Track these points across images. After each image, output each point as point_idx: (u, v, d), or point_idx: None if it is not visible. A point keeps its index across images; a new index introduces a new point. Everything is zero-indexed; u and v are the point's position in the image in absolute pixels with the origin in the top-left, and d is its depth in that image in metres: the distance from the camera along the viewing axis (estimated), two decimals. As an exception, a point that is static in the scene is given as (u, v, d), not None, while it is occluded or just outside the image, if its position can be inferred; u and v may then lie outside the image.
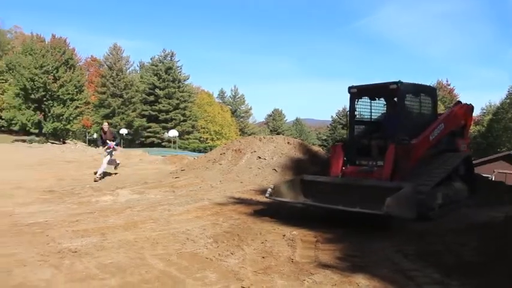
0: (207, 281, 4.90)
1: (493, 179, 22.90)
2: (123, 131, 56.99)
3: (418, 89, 9.07)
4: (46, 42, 52.70)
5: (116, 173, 15.55)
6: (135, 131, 62.39)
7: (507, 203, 9.63)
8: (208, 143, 67.50)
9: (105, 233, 6.93)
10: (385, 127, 9.00)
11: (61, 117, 49.43)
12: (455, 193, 8.93)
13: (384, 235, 6.89)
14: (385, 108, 9.56)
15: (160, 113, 63.17)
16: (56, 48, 51.29)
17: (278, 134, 66.48)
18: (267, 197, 8.38)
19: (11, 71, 51.15)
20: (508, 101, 61.60)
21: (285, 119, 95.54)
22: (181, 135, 61.23)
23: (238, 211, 8.82)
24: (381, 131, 9.11)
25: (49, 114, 49.55)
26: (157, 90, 63.30)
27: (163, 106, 63.00)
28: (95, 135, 59.46)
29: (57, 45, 51.92)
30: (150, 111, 63.22)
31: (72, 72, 51.68)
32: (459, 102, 11.10)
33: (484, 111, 69.27)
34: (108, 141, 14.21)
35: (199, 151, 52.91)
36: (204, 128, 70.43)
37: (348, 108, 9.51)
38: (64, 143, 48.36)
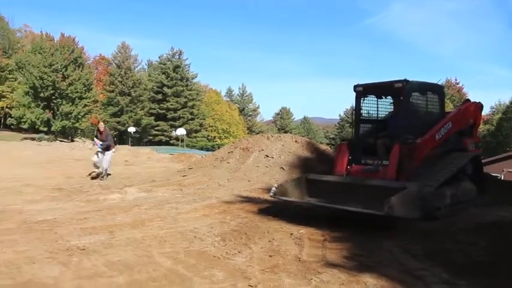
0: (215, 279, 4.90)
1: (502, 178, 22.69)
2: (131, 129, 57.25)
3: (425, 88, 8.96)
4: (55, 41, 53.08)
5: (92, 174, 14.26)
6: (143, 129, 62.54)
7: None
8: (216, 141, 67.53)
9: (113, 230, 6.95)
10: (392, 126, 8.93)
11: (70, 116, 49.76)
12: (463, 193, 8.80)
13: (391, 234, 6.86)
14: (392, 107, 9.47)
15: (168, 111, 63.23)
16: (65, 46, 51.59)
17: (286, 132, 66.31)
18: (271, 196, 8.37)
19: (20, 70, 51.54)
20: (517, 99, 61.13)
21: (292, 118, 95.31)
22: (189, 133, 61.28)
23: (245, 209, 8.82)
24: (387, 130, 9.04)
25: (58, 113, 49.89)
26: (165, 89, 63.37)
27: (171, 104, 63.06)
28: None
29: (66, 44, 52.23)
30: (158, 110, 63.31)
31: (81, 71, 51.99)
32: (468, 100, 10.98)
33: (494, 109, 68.77)
34: (98, 140, 13.73)
35: (207, 149, 53.00)
36: (211, 126, 70.43)
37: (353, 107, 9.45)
38: (73, 141, 48.63)
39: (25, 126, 50.65)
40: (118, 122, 60.10)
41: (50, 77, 48.12)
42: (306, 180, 8.84)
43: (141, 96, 62.82)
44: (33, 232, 6.83)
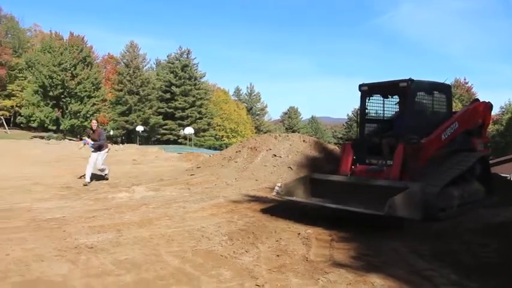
0: (222, 278, 4.90)
1: (512, 179, 22.50)
2: (139, 128, 57.49)
3: (431, 87, 8.85)
4: (64, 40, 53.48)
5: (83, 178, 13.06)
6: (151, 128, 62.81)
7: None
8: (224, 140, 67.65)
9: (120, 229, 6.98)
10: (397, 125, 8.85)
11: (78, 114, 50.10)
12: (470, 194, 8.67)
13: (399, 235, 6.82)
14: (398, 106, 9.40)
15: (176, 110, 63.44)
16: (74, 46, 51.98)
17: (293, 132, 66.27)
18: (274, 195, 8.34)
19: (30, 69, 51.99)
20: (528, 99, 60.61)
21: (300, 117, 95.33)
22: (197, 132, 61.46)
23: (253, 209, 8.82)
24: (393, 130, 8.98)
25: (67, 111, 50.26)
26: (173, 88, 63.60)
27: (180, 103, 63.27)
28: (112, 132, 60.12)
29: (75, 43, 52.62)
30: (167, 109, 63.54)
31: (90, 70, 52.37)
32: (477, 100, 10.87)
33: (503, 109, 68.27)
34: (89, 139, 13.00)
35: (215, 148, 53.09)
36: (219, 125, 70.57)
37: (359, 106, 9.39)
38: (81, 139, 48.83)
39: (34, 124, 51.10)
40: (126, 121, 60.41)
41: (59, 76, 48.49)
42: (310, 180, 8.81)
43: (150, 95, 63.10)
44: (42, 230, 6.88)
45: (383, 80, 8.97)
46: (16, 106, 56.28)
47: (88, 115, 50.90)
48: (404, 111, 8.72)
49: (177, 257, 5.63)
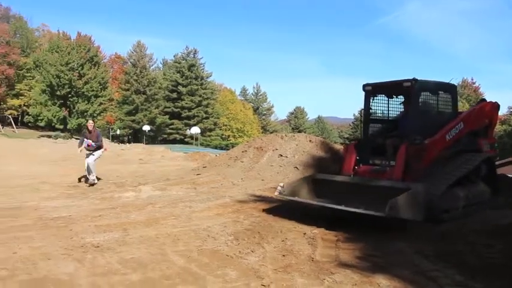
0: (228, 278, 4.90)
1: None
2: (146, 128, 57.66)
3: (436, 87, 8.76)
4: (72, 40, 53.67)
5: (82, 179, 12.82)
6: (157, 127, 62.96)
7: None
8: (230, 140, 67.68)
9: (127, 228, 7.01)
10: (402, 126, 8.78)
11: (85, 114, 50.23)
12: (475, 195, 8.54)
13: (404, 235, 6.79)
14: (403, 107, 9.32)
15: (182, 110, 63.54)
16: (81, 45, 52.16)
17: (300, 132, 66.18)
18: (276, 195, 8.31)
19: (38, 68, 52.25)
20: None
21: (307, 117, 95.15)
22: (203, 132, 61.54)
23: (259, 209, 8.82)
24: (397, 130, 8.92)
25: (74, 111, 50.46)
26: (180, 87, 63.71)
27: (186, 103, 63.37)
28: (118, 132, 60.34)
29: (83, 43, 52.80)
30: (173, 108, 63.65)
31: (97, 69, 52.52)
32: (483, 100, 10.77)
33: (511, 110, 67.74)
34: (89, 140, 12.17)
35: (221, 148, 53.16)
36: (226, 125, 70.62)
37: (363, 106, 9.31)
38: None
39: (42, 124, 51.33)
40: (133, 121, 60.61)
41: (67, 75, 48.70)
42: (313, 180, 8.78)
43: (156, 94, 63.27)
44: (48, 229, 6.92)
45: (387, 80, 8.93)
46: (24, 105, 56.58)
47: (95, 114, 51.03)
48: (408, 112, 8.68)
49: (183, 256, 5.64)
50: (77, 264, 5.22)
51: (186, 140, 61.59)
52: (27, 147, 26.67)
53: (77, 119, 50.18)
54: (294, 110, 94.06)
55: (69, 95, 50.20)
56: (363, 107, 9.24)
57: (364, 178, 8.30)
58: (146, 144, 47.26)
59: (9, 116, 54.93)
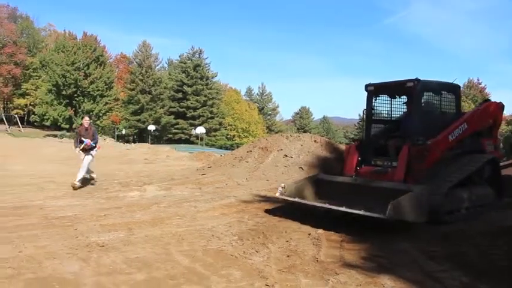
0: (232, 278, 4.91)
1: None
2: (151, 127, 57.77)
3: (439, 87, 8.70)
4: (78, 40, 53.83)
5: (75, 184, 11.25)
6: (162, 127, 63.05)
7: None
8: (235, 140, 67.68)
9: (132, 228, 7.03)
10: (404, 126, 8.73)
11: (91, 113, 50.36)
12: (478, 196, 8.45)
13: (410, 236, 6.77)
14: (406, 107, 9.22)
15: (188, 110, 63.58)
16: (87, 45, 52.31)
17: (305, 132, 66.09)
18: (277, 196, 8.29)
19: (44, 68, 52.47)
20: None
21: (312, 117, 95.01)
22: (208, 132, 61.58)
23: (263, 209, 8.82)
24: (400, 130, 8.86)
25: (79, 110, 50.60)
26: (185, 87, 63.76)
27: (191, 103, 63.41)
28: (124, 131, 60.46)
29: (88, 43, 52.94)
30: (178, 108, 63.71)
31: (102, 69, 52.67)
32: (487, 100, 10.69)
33: (517, 110, 67.34)
34: (84, 139, 11.33)
35: (226, 148, 53.21)
36: (231, 125, 70.61)
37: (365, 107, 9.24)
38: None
39: (48, 123, 51.53)
40: (138, 120, 60.74)
41: (72, 75, 48.88)
42: (314, 181, 8.75)
43: (162, 94, 63.38)
44: (54, 228, 6.95)
45: (390, 80, 8.88)
46: (30, 105, 56.91)
47: (100, 114, 51.29)
48: (411, 112, 8.63)
49: (187, 256, 5.66)
50: (82, 263, 5.25)
51: (191, 140, 61.65)
52: (33, 147, 26.75)
53: (82, 118, 50.36)
54: (299, 110, 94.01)
55: (75, 95, 50.37)
56: (365, 107, 9.19)
57: (365, 179, 8.26)
58: (151, 144, 47.33)
59: (16, 116, 55.25)
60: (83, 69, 50.75)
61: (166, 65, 75.96)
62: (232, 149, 34.37)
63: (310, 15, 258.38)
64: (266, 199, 9.86)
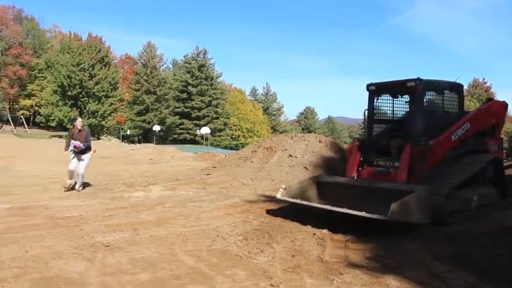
0: (237, 278, 4.91)
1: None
2: (156, 128, 57.88)
3: (441, 86, 8.64)
4: (83, 41, 54.02)
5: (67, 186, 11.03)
6: (167, 127, 63.16)
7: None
8: (240, 140, 67.69)
9: (137, 228, 7.04)
10: (407, 126, 8.64)
11: (96, 114, 50.58)
12: (481, 197, 8.36)
13: (414, 236, 6.75)
14: (408, 106, 9.13)
15: (192, 110, 63.66)
16: (92, 46, 52.47)
17: (310, 132, 66.11)
18: (278, 198, 8.25)
19: (49, 69, 52.70)
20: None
21: (316, 117, 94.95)
22: (213, 132, 61.63)
23: (268, 209, 8.81)
24: (402, 130, 8.80)
25: (85, 111, 50.77)
26: (190, 88, 63.83)
27: (196, 103, 63.48)
28: (129, 132, 60.61)
29: (93, 44, 53.12)
30: (183, 108, 63.79)
31: (107, 70, 52.81)
32: (490, 99, 10.60)
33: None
34: (73, 141, 10.95)
35: (231, 148, 53.20)
36: (236, 125, 70.63)
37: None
38: (99, 139, 49.44)
39: (53, 124, 51.70)
40: (143, 121, 60.88)
41: (78, 76, 49.05)
42: (315, 182, 8.72)
43: (166, 95, 63.50)
44: (59, 228, 6.98)
45: (391, 80, 8.83)
46: (35, 106, 57.17)
47: (105, 114, 51.45)
48: (413, 112, 8.57)
49: (192, 256, 5.66)
50: (87, 263, 5.27)
51: (196, 140, 61.72)
52: (39, 148, 26.92)
53: (87, 119, 50.46)
54: (304, 110, 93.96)
55: (80, 96, 50.54)
56: (366, 107, 9.14)
57: (367, 180, 8.22)
58: (156, 144, 47.48)
59: (21, 116, 55.56)
60: (88, 70, 50.93)
61: (171, 66, 76.22)
62: (237, 149, 34.39)
63: (311, 16, 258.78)
64: (271, 199, 9.85)
